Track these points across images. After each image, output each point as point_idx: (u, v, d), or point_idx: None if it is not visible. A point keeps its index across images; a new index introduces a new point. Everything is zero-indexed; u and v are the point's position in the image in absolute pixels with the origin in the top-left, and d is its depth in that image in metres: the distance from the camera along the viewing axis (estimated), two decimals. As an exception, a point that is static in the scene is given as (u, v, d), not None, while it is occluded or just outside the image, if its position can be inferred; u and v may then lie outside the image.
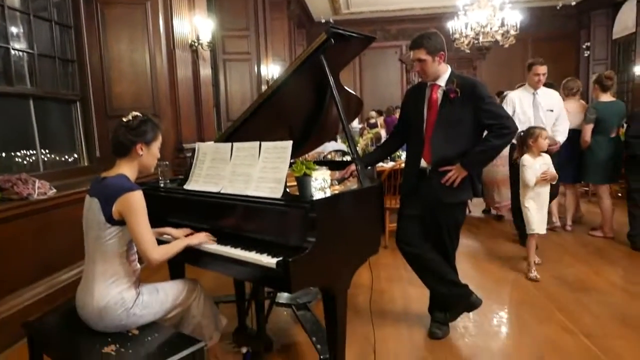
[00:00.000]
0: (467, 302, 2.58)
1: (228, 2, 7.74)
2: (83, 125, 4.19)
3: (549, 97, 4.13)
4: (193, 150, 2.40)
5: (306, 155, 3.59)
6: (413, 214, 2.57)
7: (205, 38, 5.32)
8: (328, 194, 1.92)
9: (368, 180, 2.16)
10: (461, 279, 2.64)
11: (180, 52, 4.89)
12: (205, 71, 5.63)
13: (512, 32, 7.39)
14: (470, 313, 2.75)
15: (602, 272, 3.61)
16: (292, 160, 1.93)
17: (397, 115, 7.65)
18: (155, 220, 1.90)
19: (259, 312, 2.48)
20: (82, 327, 1.82)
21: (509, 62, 11.18)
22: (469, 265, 3.85)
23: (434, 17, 10.93)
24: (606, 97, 4.44)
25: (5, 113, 3.44)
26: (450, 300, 2.62)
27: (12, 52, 3.40)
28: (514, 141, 3.70)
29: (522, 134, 3.57)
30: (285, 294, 3.03)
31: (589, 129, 4.39)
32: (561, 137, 4.08)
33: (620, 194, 5.96)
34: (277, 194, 1.87)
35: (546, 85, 4.18)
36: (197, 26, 5.26)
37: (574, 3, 11.07)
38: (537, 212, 3.51)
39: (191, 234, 2.06)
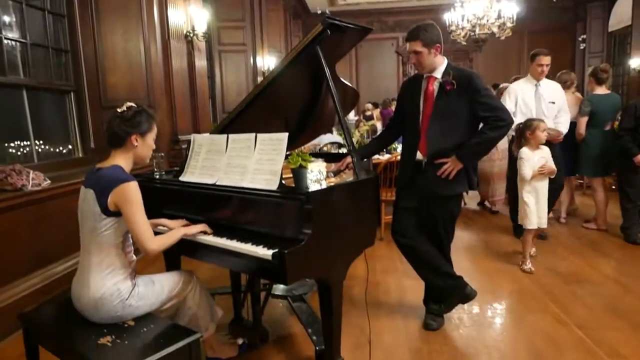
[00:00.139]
0: (461, 293, 2.60)
1: (223, -7, 7.69)
2: (77, 116, 4.15)
3: (552, 88, 4.08)
4: (188, 141, 2.39)
5: (302, 147, 3.58)
6: (409, 206, 2.57)
7: (201, 29, 5.28)
8: (324, 186, 1.92)
9: (364, 172, 2.17)
10: (456, 270, 2.65)
11: (175, 42, 4.85)
12: (201, 62, 5.61)
13: (509, 24, 7.36)
14: (465, 304, 2.77)
15: (596, 264, 3.64)
16: (288, 152, 1.92)
17: (393, 107, 7.64)
18: (151, 211, 1.90)
19: (255, 304, 2.50)
20: (78, 319, 1.82)
21: (505, 55, 11.21)
22: (463, 257, 3.88)
23: (431, 9, 10.92)
24: (601, 90, 4.45)
25: (-2, 104, 3.40)
26: (445, 292, 2.63)
27: (5, 41, 3.36)
28: (513, 134, 3.69)
29: (520, 125, 3.52)
30: (281, 286, 3.04)
31: (583, 121, 4.40)
32: (563, 128, 4.04)
33: (614, 187, 5.97)
34: (273, 185, 1.87)
35: None
36: (192, 16, 5.22)
37: (570, -5, 11.08)
38: (535, 207, 3.44)
39: (187, 224, 2.06)
